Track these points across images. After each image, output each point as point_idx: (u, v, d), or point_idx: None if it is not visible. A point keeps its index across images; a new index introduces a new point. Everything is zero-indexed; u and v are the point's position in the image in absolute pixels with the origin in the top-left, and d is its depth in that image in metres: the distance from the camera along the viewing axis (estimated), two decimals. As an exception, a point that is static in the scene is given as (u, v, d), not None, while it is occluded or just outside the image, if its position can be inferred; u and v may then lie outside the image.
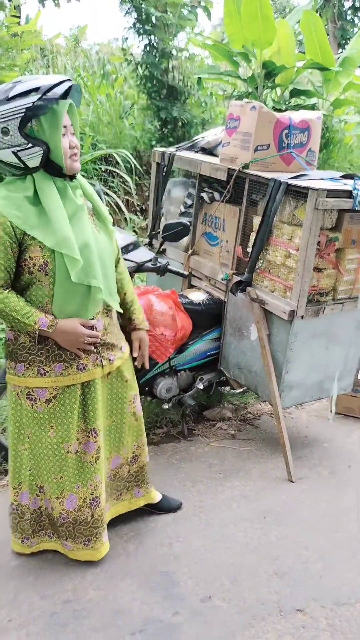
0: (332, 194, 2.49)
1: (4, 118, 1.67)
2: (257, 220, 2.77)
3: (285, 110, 5.27)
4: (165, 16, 5.64)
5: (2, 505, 2.40)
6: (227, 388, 3.44)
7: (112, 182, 5.67)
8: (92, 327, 1.93)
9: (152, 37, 5.75)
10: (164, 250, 3.42)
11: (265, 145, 2.77)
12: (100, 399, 2.04)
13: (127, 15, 5.75)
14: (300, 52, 6.24)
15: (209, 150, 3.36)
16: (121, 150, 5.67)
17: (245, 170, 2.78)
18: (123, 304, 2.17)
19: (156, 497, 2.44)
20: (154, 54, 5.80)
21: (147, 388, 2.88)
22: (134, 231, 5.54)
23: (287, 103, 6.18)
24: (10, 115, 1.67)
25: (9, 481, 2.12)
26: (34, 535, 2.17)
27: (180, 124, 6.00)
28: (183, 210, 3.39)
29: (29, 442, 2.03)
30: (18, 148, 1.71)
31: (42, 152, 1.72)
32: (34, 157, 1.72)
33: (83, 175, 5.10)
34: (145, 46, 5.83)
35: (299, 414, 3.54)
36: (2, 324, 3.68)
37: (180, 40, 6.16)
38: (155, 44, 5.78)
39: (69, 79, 1.75)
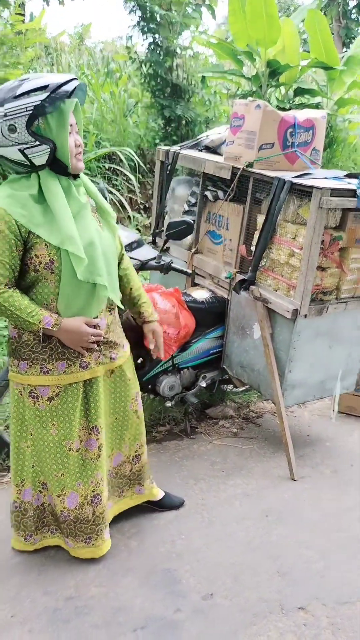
0: (336, 193, 2.49)
1: (11, 115, 1.67)
2: (260, 219, 2.77)
3: (289, 109, 5.27)
4: (170, 14, 5.64)
5: (4, 502, 2.40)
6: (230, 386, 3.45)
7: (116, 180, 5.67)
8: (95, 326, 1.93)
9: (157, 35, 5.76)
10: (168, 248, 3.42)
11: (270, 144, 2.77)
12: (102, 396, 2.04)
13: (131, 13, 5.75)
14: (304, 51, 6.23)
15: (213, 149, 3.36)
16: (125, 149, 5.67)
17: (250, 169, 2.78)
18: (130, 298, 2.18)
19: (158, 494, 2.44)
20: (158, 52, 5.80)
21: (150, 386, 2.89)
22: (137, 229, 5.54)
23: (291, 102, 6.17)
24: (17, 113, 1.67)
25: (11, 479, 2.12)
26: (37, 532, 2.17)
27: (184, 122, 6.01)
28: (187, 208, 3.39)
29: (31, 440, 2.03)
30: (25, 146, 1.71)
31: (49, 150, 1.72)
32: (40, 155, 1.73)
33: (86, 174, 5.10)
34: (150, 44, 5.84)
35: (302, 413, 3.54)
36: (5, 321, 3.69)
37: (185, 39, 6.16)
38: (159, 43, 5.79)
39: (75, 78, 1.75)
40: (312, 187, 2.47)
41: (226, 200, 2.99)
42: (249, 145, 2.79)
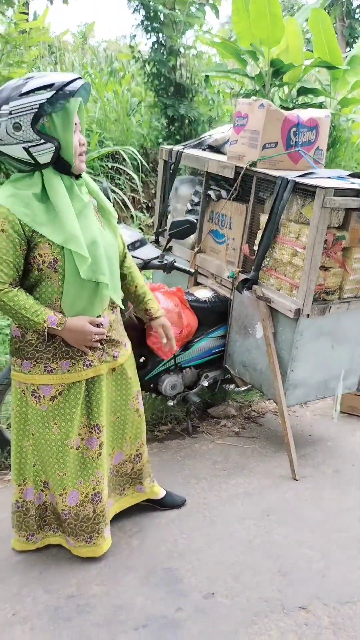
0: (339, 192, 2.48)
1: (16, 113, 1.67)
2: (264, 218, 2.77)
3: (293, 108, 5.26)
4: (174, 14, 5.64)
5: (6, 500, 2.40)
6: (232, 386, 3.45)
7: (119, 179, 5.68)
8: (98, 325, 1.94)
9: (160, 34, 5.75)
10: (170, 247, 3.42)
11: (273, 143, 2.77)
12: (104, 395, 2.05)
13: (135, 12, 5.75)
14: (308, 51, 6.21)
15: (216, 148, 3.36)
16: (128, 148, 5.67)
17: (253, 168, 2.78)
18: (136, 295, 2.19)
19: (160, 492, 2.45)
20: (161, 51, 5.80)
21: (152, 385, 2.89)
22: (140, 228, 5.54)
23: (294, 101, 6.16)
24: (23, 111, 1.66)
25: (12, 478, 2.11)
26: (39, 531, 2.17)
27: (187, 121, 6.00)
28: (190, 207, 3.39)
29: (33, 439, 2.03)
30: (30, 144, 1.70)
31: (53, 148, 1.72)
32: (45, 153, 1.72)
33: (89, 173, 5.11)
34: (153, 44, 5.83)
35: (303, 413, 3.54)
36: (8, 320, 3.69)
37: (188, 38, 6.17)
38: (163, 42, 5.78)
39: (80, 77, 1.75)
40: (315, 186, 2.46)
41: (229, 199, 2.99)
42: (253, 145, 2.79)
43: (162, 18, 5.67)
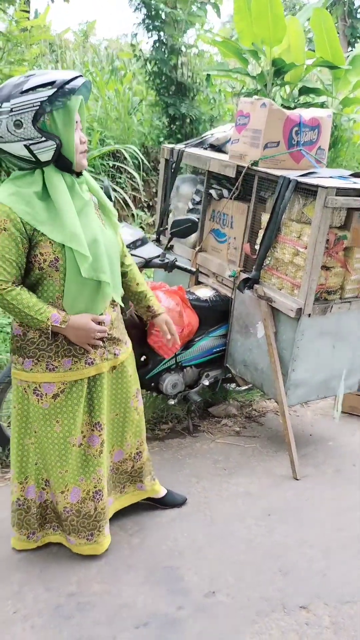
0: (341, 192, 2.48)
1: (17, 111, 1.66)
2: (265, 218, 2.77)
3: (294, 108, 5.26)
4: (175, 12, 5.63)
5: (6, 499, 2.40)
6: (233, 385, 3.45)
7: (120, 178, 5.68)
8: (100, 323, 1.94)
9: (162, 33, 5.75)
10: (172, 246, 3.43)
11: (275, 143, 2.77)
12: (106, 393, 2.05)
13: (136, 11, 5.75)
14: (309, 50, 6.22)
15: (217, 147, 3.36)
16: (129, 146, 5.67)
17: (255, 167, 2.78)
18: (137, 293, 2.19)
19: (161, 491, 2.45)
20: (163, 50, 5.80)
21: (153, 384, 2.89)
22: (141, 227, 5.54)
23: (296, 101, 6.16)
24: (24, 108, 1.66)
25: (13, 477, 2.11)
26: (39, 529, 2.17)
27: (188, 120, 6.01)
28: (191, 206, 3.39)
29: (35, 437, 2.03)
30: (31, 141, 1.70)
31: (55, 146, 1.72)
32: (46, 151, 1.72)
33: (90, 171, 5.11)
34: (155, 42, 5.83)
35: (304, 412, 3.54)
36: (9, 318, 3.69)
37: (190, 37, 6.17)
38: (164, 40, 5.78)
39: (81, 75, 1.75)
40: (317, 186, 2.46)
41: (231, 198, 2.99)
42: (254, 144, 2.79)
43: (163, 17, 5.67)
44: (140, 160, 5.76)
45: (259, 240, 2.81)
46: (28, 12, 5.88)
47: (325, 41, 5.71)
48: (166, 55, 5.79)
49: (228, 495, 2.63)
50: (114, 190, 5.39)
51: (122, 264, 2.13)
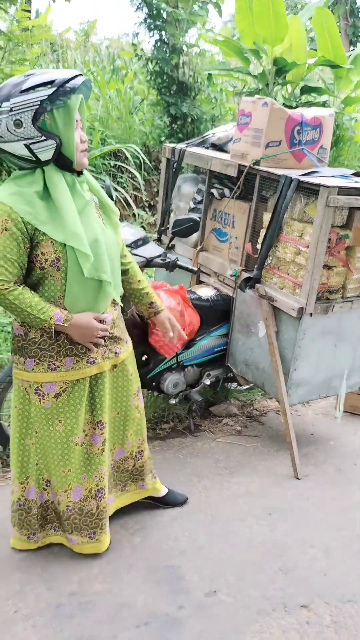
0: (343, 191, 2.48)
1: (17, 110, 1.66)
2: (267, 217, 2.76)
3: (296, 107, 5.25)
4: (176, 12, 5.63)
5: (7, 498, 2.40)
6: (234, 384, 3.45)
7: (121, 177, 5.67)
8: (102, 321, 1.94)
9: (163, 32, 5.75)
10: (173, 246, 3.42)
11: (277, 142, 2.77)
12: (107, 391, 2.05)
13: (138, 10, 5.74)
14: (311, 49, 6.21)
15: (219, 147, 3.35)
16: (130, 146, 5.67)
17: (256, 167, 2.78)
18: (138, 290, 2.18)
19: (161, 489, 2.45)
20: (164, 49, 5.80)
21: (154, 383, 2.89)
22: (142, 227, 5.54)
23: (297, 100, 6.16)
24: (23, 108, 1.66)
25: (14, 477, 2.11)
26: (40, 530, 2.17)
27: (189, 120, 6.00)
28: (193, 206, 3.39)
29: (36, 437, 2.03)
30: (31, 141, 1.70)
31: (55, 145, 1.72)
32: (46, 150, 1.72)
33: (92, 171, 5.11)
34: (156, 42, 5.83)
35: (305, 412, 3.54)
36: (10, 317, 3.69)
37: (191, 36, 6.16)
38: (165, 40, 5.78)
39: (80, 74, 1.75)
40: (319, 185, 2.46)
41: (232, 198, 2.98)
42: (256, 143, 2.78)
43: (165, 16, 5.67)
44: (142, 160, 5.76)
45: (260, 240, 2.81)
46: (29, 11, 5.88)
47: (327, 40, 5.70)
48: (167, 55, 5.79)
49: (229, 494, 2.63)
50: (115, 189, 5.39)
51: (122, 263, 2.12)
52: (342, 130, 6.54)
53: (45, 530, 2.19)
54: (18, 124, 1.68)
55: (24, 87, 1.67)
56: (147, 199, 5.88)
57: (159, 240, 3.53)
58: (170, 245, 3.38)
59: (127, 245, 2.45)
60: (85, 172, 1.90)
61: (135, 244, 2.75)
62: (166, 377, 2.89)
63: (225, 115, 6.63)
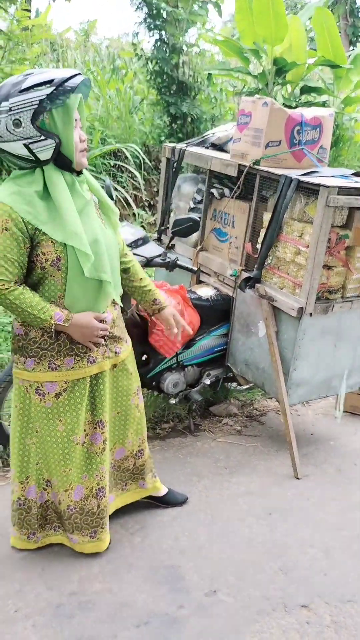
0: (343, 191, 2.48)
1: (16, 110, 1.66)
2: (267, 217, 2.76)
3: (296, 107, 5.26)
4: (176, 11, 5.63)
5: (8, 497, 2.40)
6: (234, 384, 3.45)
7: (121, 177, 5.67)
8: (102, 321, 1.94)
9: (163, 32, 5.75)
10: (173, 245, 3.42)
11: (277, 142, 2.77)
12: (107, 391, 2.05)
13: (137, 10, 5.74)
14: (311, 49, 6.21)
15: (219, 146, 3.35)
16: (130, 145, 5.67)
17: (256, 167, 2.78)
18: (141, 287, 2.18)
19: (162, 488, 2.45)
20: (164, 49, 5.79)
21: (154, 383, 2.89)
22: (142, 226, 5.54)
23: (297, 100, 6.16)
24: (22, 107, 1.66)
25: (14, 476, 2.11)
26: (40, 530, 2.17)
27: (189, 119, 6.00)
28: (192, 205, 3.39)
29: (37, 436, 2.03)
30: (30, 140, 1.70)
31: (54, 144, 1.71)
32: (46, 150, 1.72)
33: (92, 170, 5.11)
34: (156, 41, 5.83)
35: (305, 412, 3.54)
36: (10, 317, 3.69)
37: (191, 36, 6.16)
38: (165, 40, 5.78)
39: (79, 73, 1.75)
40: (319, 185, 2.46)
41: (232, 197, 2.98)
42: (256, 143, 2.78)
43: (164, 16, 5.67)
44: (142, 160, 5.76)
45: (260, 240, 2.81)
46: (29, 11, 5.88)
47: (327, 40, 5.70)
48: (167, 55, 5.79)
49: (229, 494, 2.63)
50: (115, 189, 5.39)
51: (123, 262, 2.12)
52: (342, 130, 6.54)
53: (45, 530, 2.19)
54: (17, 123, 1.67)
55: (23, 86, 1.67)
56: (147, 199, 5.88)
57: (159, 239, 3.54)
58: (170, 244, 3.38)
59: (127, 245, 2.45)
60: (84, 171, 1.89)
61: (135, 244, 2.75)
62: (166, 376, 2.89)
63: (225, 115, 6.63)
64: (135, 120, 6.17)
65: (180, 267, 2.84)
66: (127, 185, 5.69)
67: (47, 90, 1.67)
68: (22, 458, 2.06)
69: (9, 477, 2.59)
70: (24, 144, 1.70)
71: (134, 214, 5.54)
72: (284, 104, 5.76)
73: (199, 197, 3.35)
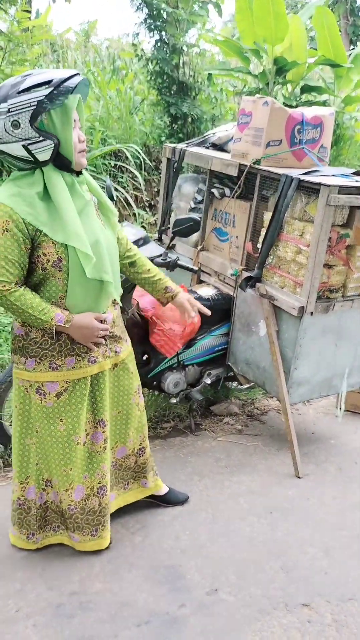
0: (344, 190, 2.48)
1: (14, 111, 1.66)
2: (267, 216, 2.76)
3: (296, 106, 5.25)
4: (177, 12, 5.63)
5: (8, 497, 2.41)
6: (235, 383, 3.45)
7: (121, 177, 5.67)
8: (102, 321, 1.94)
9: (163, 32, 5.74)
10: (174, 245, 3.43)
11: (277, 141, 2.77)
12: (108, 390, 2.05)
13: (138, 10, 5.74)
14: (312, 48, 6.21)
15: (219, 146, 3.35)
16: (131, 145, 5.67)
17: (257, 166, 2.78)
18: (149, 279, 2.18)
19: (163, 487, 2.45)
20: (164, 49, 5.79)
21: (155, 382, 2.89)
22: (143, 226, 5.54)
23: (297, 99, 6.15)
24: (21, 108, 1.65)
25: (14, 476, 2.11)
26: (39, 531, 2.17)
27: (190, 119, 6.00)
28: (193, 205, 3.39)
29: (37, 436, 2.03)
30: (29, 141, 1.69)
31: (53, 145, 1.71)
32: (44, 151, 1.72)
33: (92, 171, 5.11)
34: (156, 42, 5.82)
35: (306, 410, 3.54)
36: (10, 317, 3.70)
37: (191, 36, 6.15)
38: (166, 40, 5.77)
39: (78, 73, 1.74)
40: (319, 184, 2.46)
41: (233, 197, 2.98)
42: (256, 142, 2.78)
43: (165, 16, 5.66)
44: (142, 160, 5.76)
45: (261, 239, 2.81)
46: (29, 12, 5.88)
47: (327, 39, 5.70)
48: (168, 55, 5.78)
49: (230, 493, 2.63)
50: (116, 189, 5.39)
51: (128, 256, 2.12)
52: (343, 129, 6.53)
53: (45, 531, 2.19)
54: (16, 124, 1.67)
55: (22, 87, 1.66)
56: (148, 199, 5.88)
57: (159, 239, 3.54)
58: (170, 244, 3.39)
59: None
60: (84, 172, 1.89)
61: (136, 244, 2.74)
62: (167, 376, 2.89)
63: (225, 115, 6.63)
64: (135, 121, 6.17)
65: (181, 266, 2.84)
66: (128, 185, 5.69)
67: (46, 90, 1.66)
68: (22, 458, 2.07)
69: (9, 477, 2.60)
70: (23, 145, 1.70)
71: (134, 214, 5.54)
72: (284, 103, 5.76)
73: (199, 197, 3.35)
